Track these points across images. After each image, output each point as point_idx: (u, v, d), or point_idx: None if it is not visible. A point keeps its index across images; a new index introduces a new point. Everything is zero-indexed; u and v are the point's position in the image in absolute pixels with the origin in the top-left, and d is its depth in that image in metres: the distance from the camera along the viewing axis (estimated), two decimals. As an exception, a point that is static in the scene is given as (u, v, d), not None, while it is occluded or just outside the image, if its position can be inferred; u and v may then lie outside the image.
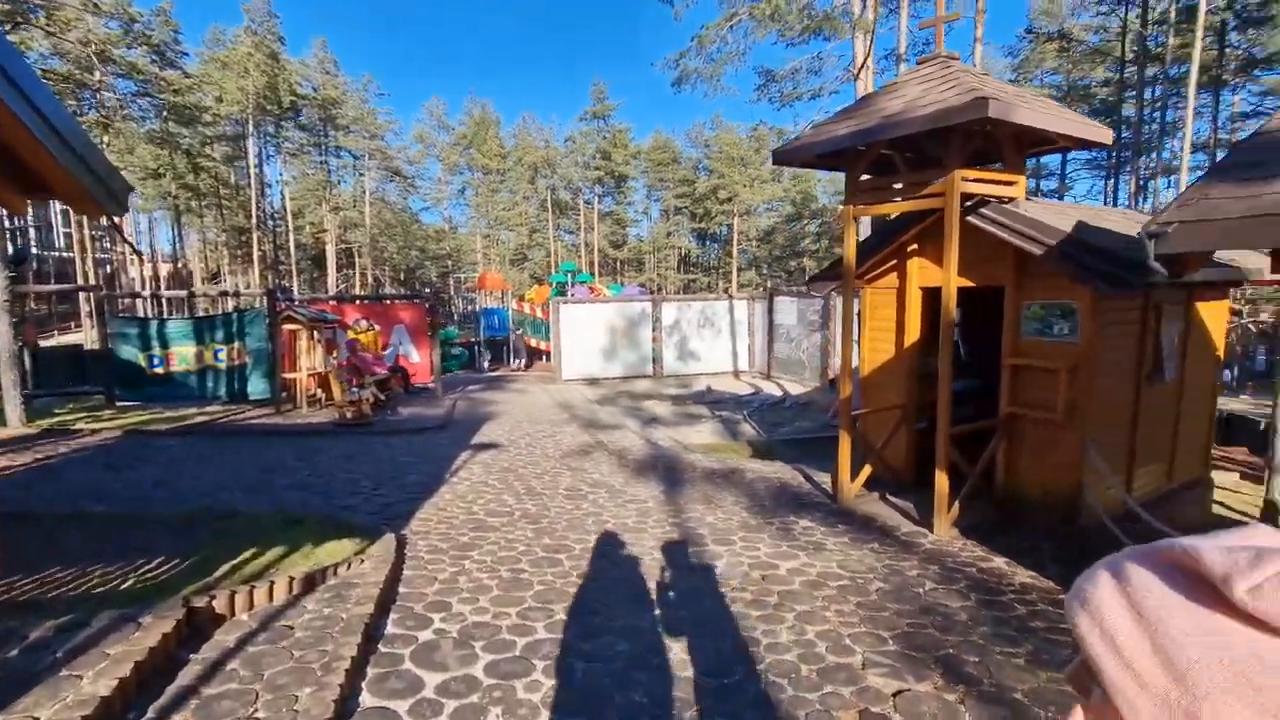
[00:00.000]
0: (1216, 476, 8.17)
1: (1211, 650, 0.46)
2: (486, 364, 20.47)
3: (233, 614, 3.49)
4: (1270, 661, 0.44)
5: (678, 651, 3.47)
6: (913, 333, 6.58)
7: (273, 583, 3.75)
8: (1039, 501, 5.69)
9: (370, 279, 44.55)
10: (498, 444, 9.29)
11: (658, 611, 3.97)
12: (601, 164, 48.17)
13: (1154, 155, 26.31)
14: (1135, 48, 19.40)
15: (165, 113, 31.66)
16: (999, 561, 4.79)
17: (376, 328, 14.35)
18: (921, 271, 6.46)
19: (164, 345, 11.98)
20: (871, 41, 12.59)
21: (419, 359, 15.55)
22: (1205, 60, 22.76)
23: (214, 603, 3.42)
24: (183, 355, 12.08)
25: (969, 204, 5.60)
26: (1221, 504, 8.34)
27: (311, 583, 3.96)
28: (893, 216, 7.24)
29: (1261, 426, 15.78)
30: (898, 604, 4.02)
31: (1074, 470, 5.45)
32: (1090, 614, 0.52)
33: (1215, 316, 6.94)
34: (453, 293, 39.18)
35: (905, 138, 5.32)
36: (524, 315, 22.82)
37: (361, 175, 43.01)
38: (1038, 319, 5.60)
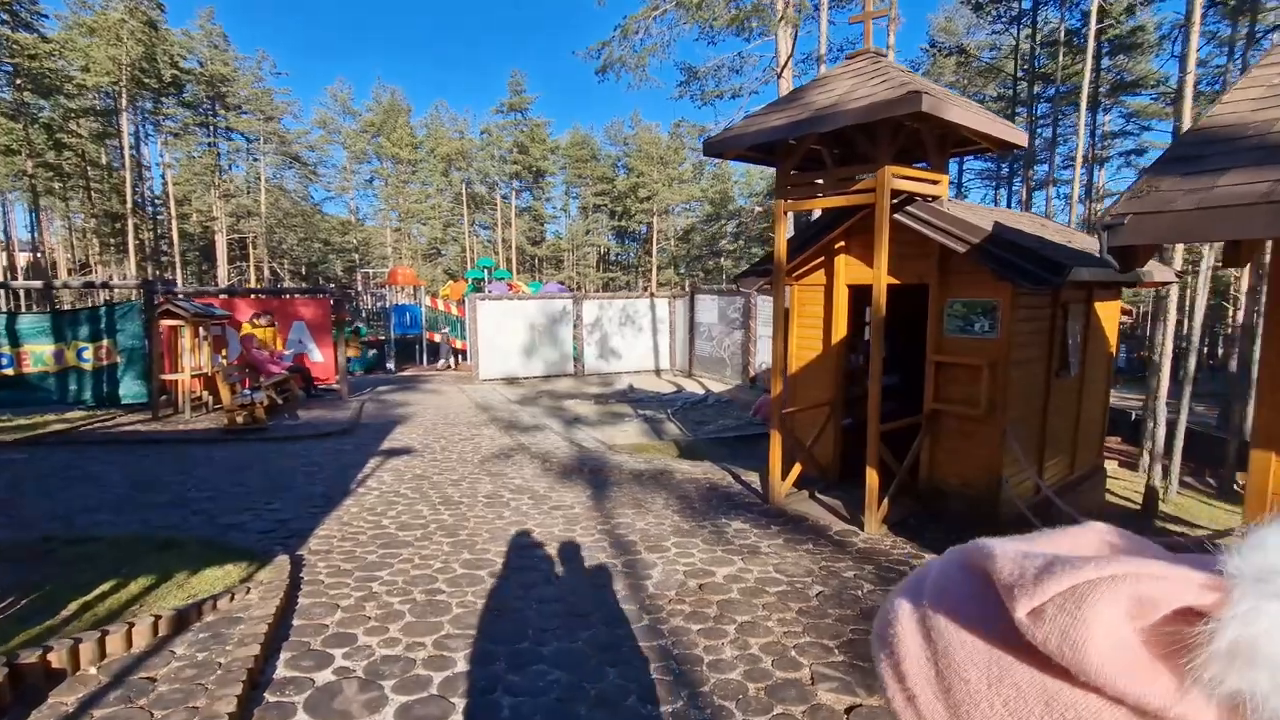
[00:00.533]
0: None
1: (995, 692, 0.36)
2: (391, 365, 19.36)
3: (76, 668, 2.87)
4: (1061, 711, 0.34)
5: (616, 678, 3.18)
6: (840, 330, 6.59)
7: (132, 624, 3.14)
8: (960, 494, 5.80)
9: (267, 273, 41.42)
10: (410, 449, 8.66)
11: (593, 632, 3.66)
12: (519, 158, 47.05)
13: (1041, 168, 28.48)
14: (1025, 66, 20.93)
15: (18, 80, 28.05)
16: (930, 558, 4.79)
17: (275, 324, 13.19)
18: (848, 269, 6.47)
19: (14, 343, 10.44)
20: (795, 38, 12.74)
21: (322, 359, 14.45)
22: (1079, 82, 24.82)
23: (50, 656, 2.80)
24: (38, 355, 10.58)
25: (896, 201, 5.61)
26: (1110, 491, 8.94)
27: (183, 621, 3.37)
28: (816, 215, 7.23)
29: (1133, 418, 17.33)
30: (839, 609, 3.90)
31: (993, 464, 5.58)
32: (888, 653, 0.44)
33: (1110, 315, 7.38)
34: (361, 288, 37.06)
35: (834, 133, 5.26)
36: (439, 312, 21.82)
37: (256, 160, 39.88)
38: (960, 316, 5.69)
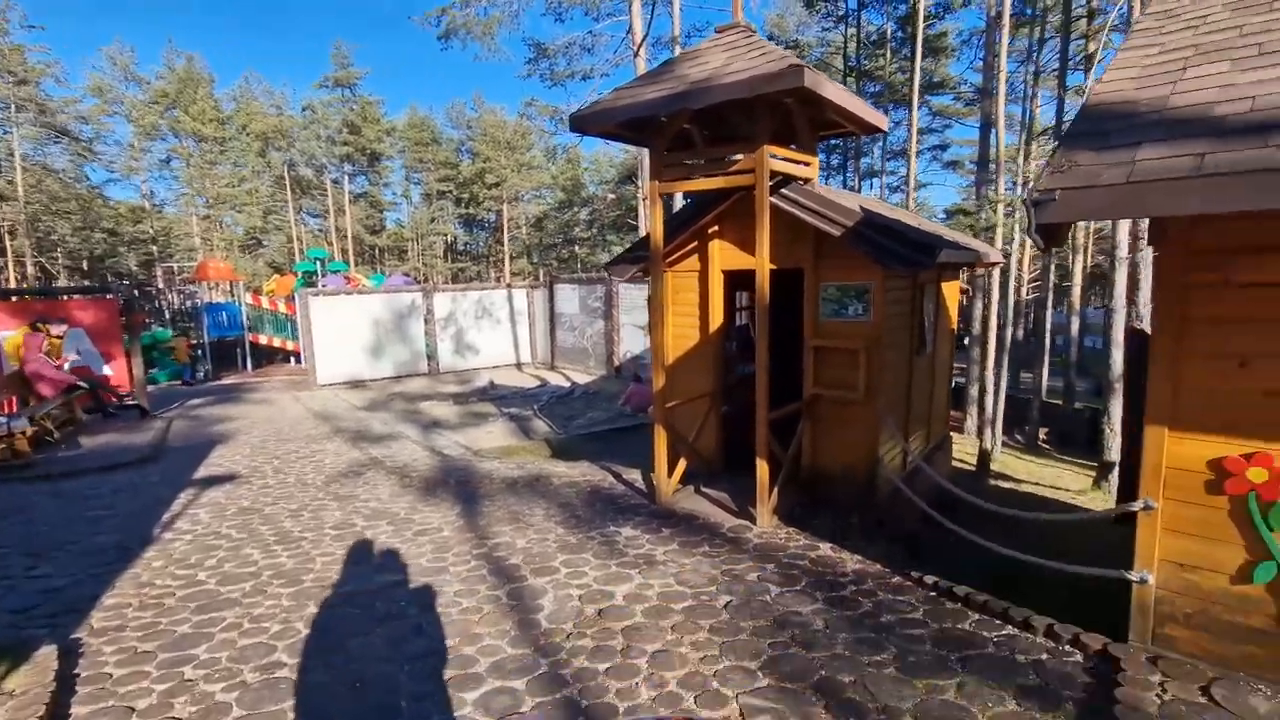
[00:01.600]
0: (952, 433, 9.41)
1: None
2: (201, 374, 16.77)
3: None
4: None
5: (516, 750, 2.65)
6: (717, 318, 6.41)
7: None
8: (841, 478, 5.86)
9: (32, 269, 34.36)
10: (235, 475, 7.32)
11: (483, 692, 3.07)
12: (350, 139, 43.03)
13: (865, 160, 31.08)
14: (850, 64, 22.57)
15: None
16: (825, 548, 4.72)
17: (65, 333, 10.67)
18: (723, 254, 6.29)
19: None
20: (652, 17, 12.50)
21: (110, 371, 12.02)
22: (895, 81, 27.33)
23: None
24: None
25: (773, 184, 5.48)
26: (955, 457, 9.73)
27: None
28: (678, 201, 6.96)
29: (952, 386, 19.40)
30: (752, 620, 3.64)
31: (871, 446, 5.67)
32: None
33: (952, 295, 7.93)
34: (162, 285, 31.82)
35: (707, 111, 4.98)
36: (263, 311, 19.28)
37: (8, 132, 32.74)
38: (835, 300, 5.70)
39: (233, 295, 22.59)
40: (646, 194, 14.81)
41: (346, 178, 45.15)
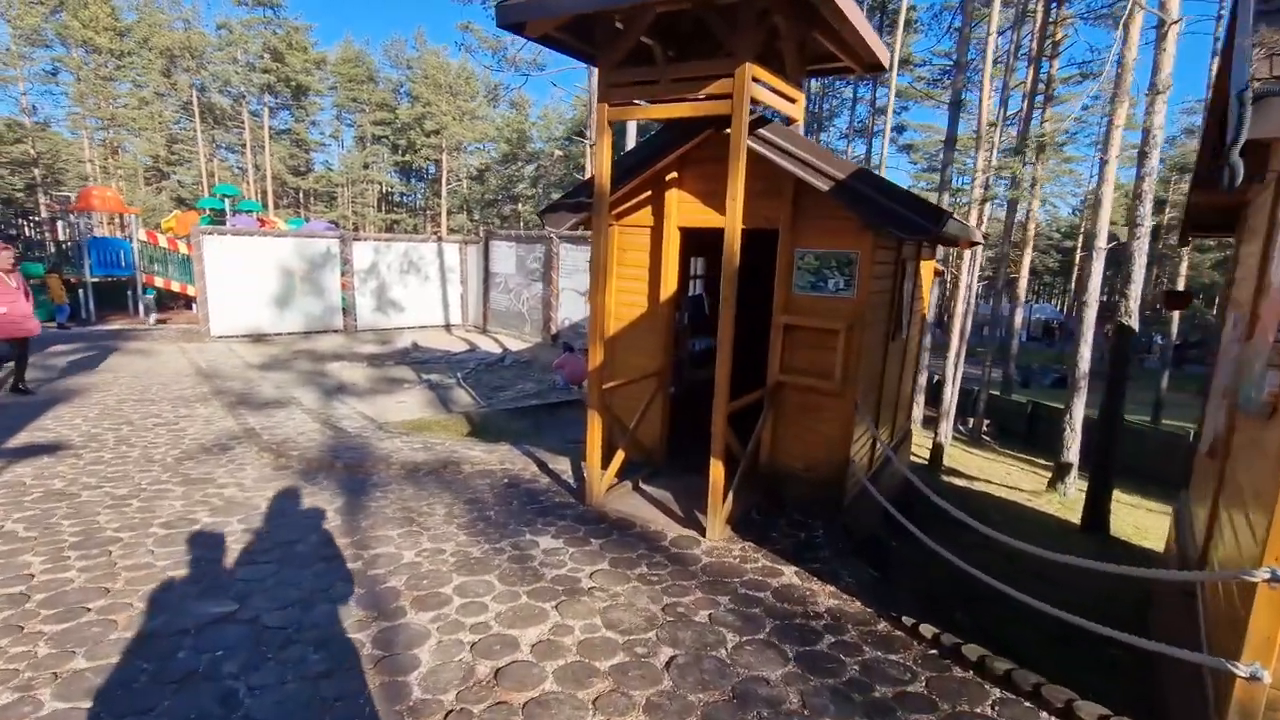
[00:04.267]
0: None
1: None
2: (83, 317, 14.63)
3: None
4: None
5: None
6: (670, 283, 5.38)
7: None
8: (803, 478, 5.00)
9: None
10: (61, 444, 5.86)
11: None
12: (272, 66, 39.12)
13: (822, 136, 30.46)
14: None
15: None
16: (789, 573, 3.84)
17: None
18: (681, 207, 5.23)
19: None
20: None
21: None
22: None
23: None
24: None
25: (752, 118, 4.44)
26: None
27: None
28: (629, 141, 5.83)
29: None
30: (704, 690, 2.70)
31: (843, 443, 4.82)
32: None
33: (928, 276, 7.16)
34: (44, 215, 28.09)
35: (674, 20, 3.90)
36: (158, 249, 17.00)
37: None
38: (812, 271, 4.77)
39: (124, 231, 19.95)
40: (594, 125, 13.25)
41: (268, 111, 41.24)
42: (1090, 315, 8.28)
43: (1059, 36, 15.82)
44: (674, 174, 5.16)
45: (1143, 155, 6.30)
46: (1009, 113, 14.20)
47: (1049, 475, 10.22)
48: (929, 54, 23.69)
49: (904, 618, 3.21)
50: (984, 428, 13.77)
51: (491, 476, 5.45)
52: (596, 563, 3.90)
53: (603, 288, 4.67)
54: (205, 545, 3.96)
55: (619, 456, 5.02)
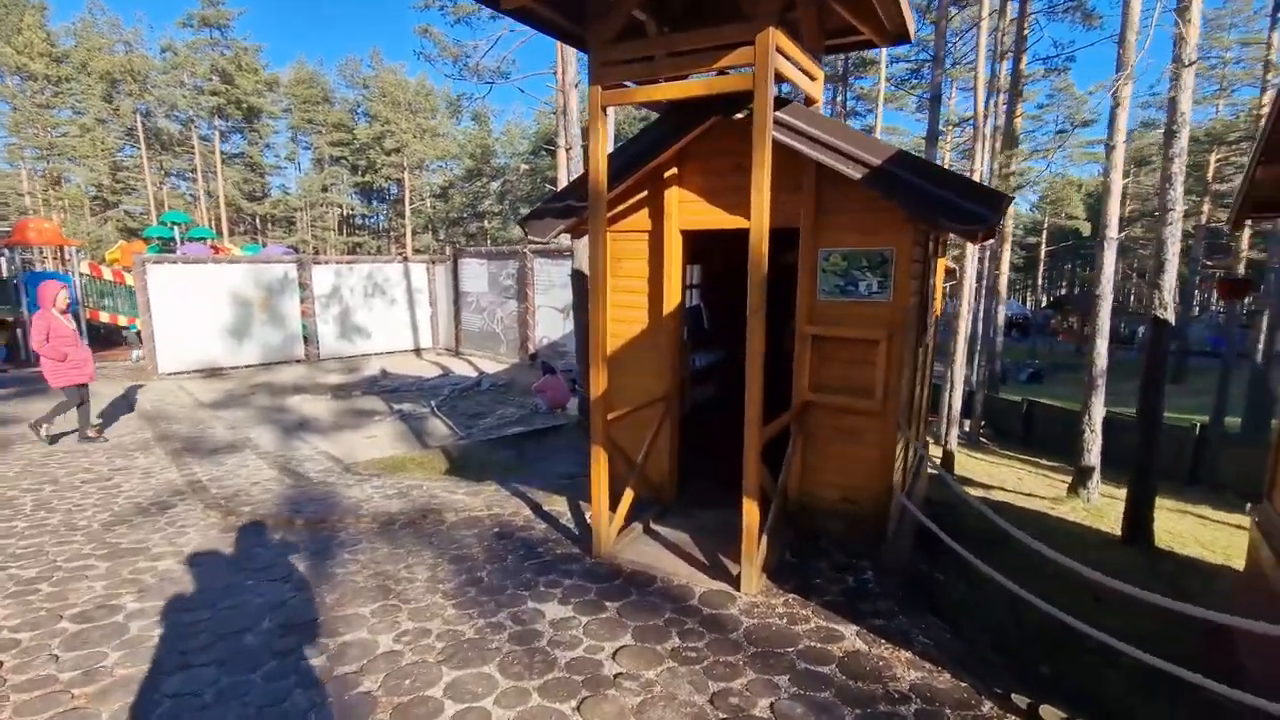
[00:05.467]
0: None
1: None
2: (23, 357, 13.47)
3: None
4: None
5: None
6: (674, 295, 4.75)
7: None
8: (840, 511, 4.39)
9: None
10: (-38, 516, 4.96)
11: None
12: (222, 89, 37.76)
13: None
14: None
15: None
16: (850, 636, 3.19)
17: None
18: (683, 208, 4.62)
19: None
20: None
21: None
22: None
23: None
24: None
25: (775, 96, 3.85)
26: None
27: None
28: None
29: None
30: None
31: (885, 467, 4.22)
32: None
33: (941, 274, 6.66)
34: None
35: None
36: (105, 283, 15.88)
37: None
38: (839, 273, 4.18)
39: (65, 265, 18.65)
40: (560, 125, 12.57)
41: (219, 134, 39.77)
42: (1105, 308, 7.89)
43: (1026, 31, 15.76)
44: (673, 170, 4.55)
45: (1170, 134, 5.91)
46: (983, 109, 14.01)
47: (1062, 479, 9.82)
48: (891, 55, 23.65)
49: (1013, 695, 2.59)
50: (980, 430, 13.43)
51: (479, 525, 4.72)
52: (618, 636, 3.21)
53: (602, 303, 4.01)
54: (127, 645, 3.17)
55: (627, 497, 4.35)
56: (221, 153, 40.48)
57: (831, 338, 4.18)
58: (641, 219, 4.80)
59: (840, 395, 4.20)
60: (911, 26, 3.96)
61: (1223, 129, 28.39)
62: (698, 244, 5.12)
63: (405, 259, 16.01)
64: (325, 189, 46.70)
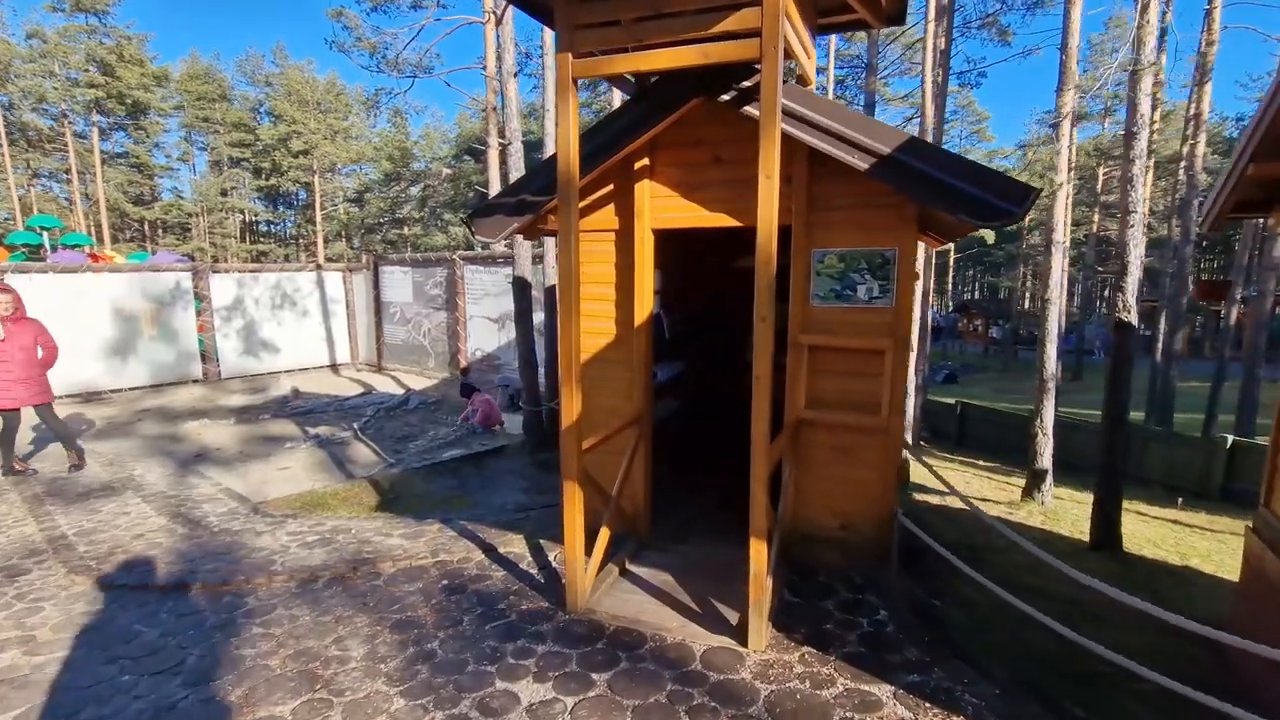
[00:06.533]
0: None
1: None
2: None
3: None
4: None
5: None
6: (645, 302, 4.20)
7: None
8: (838, 540, 3.96)
9: None
10: None
11: None
12: (100, 81, 34.24)
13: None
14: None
15: None
16: (888, 701, 2.73)
17: None
18: (655, 204, 4.09)
19: None
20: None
21: None
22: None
23: None
24: None
25: (746, 85, 3.39)
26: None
27: None
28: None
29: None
30: None
31: (887, 488, 3.83)
32: None
33: (906, 277, 6.43)
34: None
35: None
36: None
37: None
38: (835, 276, 3.76)
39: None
40: (489, 101, 11.53)
41: (98, 131, 36.02)
42: (1054, 313, 8.00)
43: (945, 46, 16.30)
44: (644, 162, 4.01)
45: (1130, 136, 5.93)
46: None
47: (1005, 480, 9.93)
48: (823, 58, 24.09)
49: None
50: (920, 433, 13.63)
51: (424, 577, 3.98)
52: (614, 722, 2.61)
53: (575, 313, 3.41)
54: (-63, 795, 2.29)
55: (603, 537, 3.75)
56: (102, 151, 36.69)
57: (828, 348, 3.75)
58: (607, 217, 4.24)
59: (839, 411, 3.77)
60: (904, 12, 3.61)
61: (1109, 144, 30.76)
62: (660, 247, 4.60)
63: (319, 267, 14.71)
64: (225, 193, 43.29)
